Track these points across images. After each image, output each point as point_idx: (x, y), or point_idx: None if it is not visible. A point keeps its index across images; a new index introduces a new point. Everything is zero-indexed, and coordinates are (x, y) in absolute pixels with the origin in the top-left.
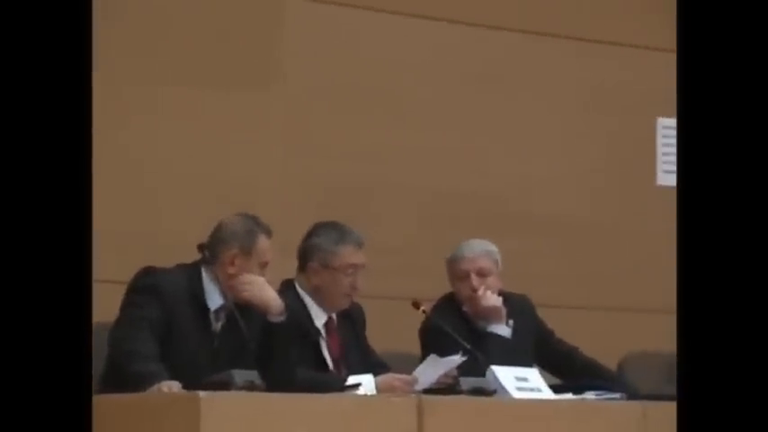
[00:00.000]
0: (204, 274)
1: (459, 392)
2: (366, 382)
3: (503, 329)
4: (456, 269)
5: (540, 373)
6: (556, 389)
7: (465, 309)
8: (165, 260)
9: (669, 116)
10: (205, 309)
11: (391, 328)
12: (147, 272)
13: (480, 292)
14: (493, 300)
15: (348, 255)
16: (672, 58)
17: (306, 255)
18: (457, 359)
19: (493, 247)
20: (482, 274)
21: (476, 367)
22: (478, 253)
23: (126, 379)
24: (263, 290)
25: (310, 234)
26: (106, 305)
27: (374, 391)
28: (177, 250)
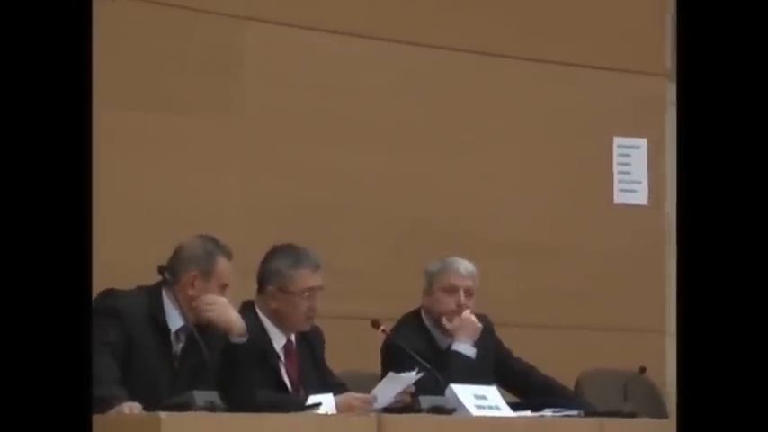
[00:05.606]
0: (165, 296)
1: (419, 411)
2: (325, 402)
3: (468, 349)
4: (445, 281)
5: (499, 391)
6: (514, 407)
7: (444, 322)
8: (126, 282)
9: (625, 135)
10: (166, 330)
11: (352, 349)
12: (108, 294)
13: (467, 311)
14: (474, 320)
15: (305, 278)
16: (626, 78)
17: (263, 279)
18: (413, 375)
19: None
20: (469, 293)
21: (435, 385)
22: (471, 272)
23: None
24: (227, 310)
25: (267, 258)
26: None
27: (333, 411)
28: (137, 272)
